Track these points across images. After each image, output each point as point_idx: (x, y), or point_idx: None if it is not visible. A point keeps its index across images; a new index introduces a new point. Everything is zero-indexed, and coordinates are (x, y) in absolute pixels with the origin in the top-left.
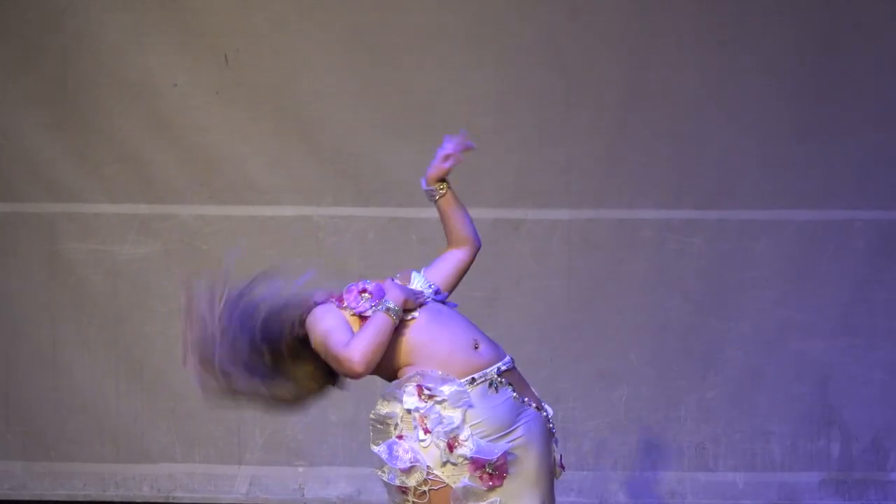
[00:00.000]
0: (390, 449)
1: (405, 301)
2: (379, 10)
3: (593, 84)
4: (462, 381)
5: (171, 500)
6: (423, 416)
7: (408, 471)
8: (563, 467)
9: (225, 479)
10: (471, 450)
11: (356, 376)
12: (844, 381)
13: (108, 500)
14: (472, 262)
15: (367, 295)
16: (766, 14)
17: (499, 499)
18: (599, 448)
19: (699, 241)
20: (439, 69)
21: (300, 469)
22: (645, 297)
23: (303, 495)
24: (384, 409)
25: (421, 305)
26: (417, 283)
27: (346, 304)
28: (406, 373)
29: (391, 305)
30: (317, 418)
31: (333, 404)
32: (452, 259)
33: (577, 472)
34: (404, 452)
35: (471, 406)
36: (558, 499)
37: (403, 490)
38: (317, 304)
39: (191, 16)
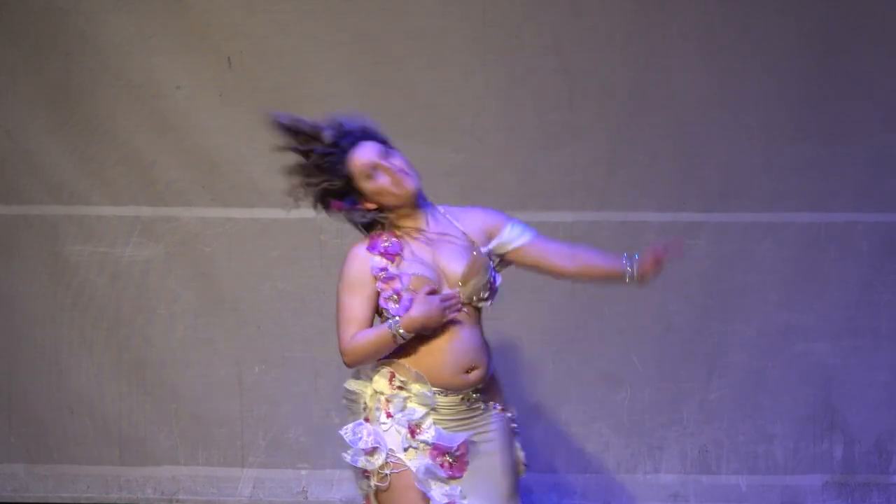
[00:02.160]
0: (354, 430)
1: (421, 327)
2: (382, 13)
3: (596, 86)
4: (434, 389)
5: (174, 503)
6: (388, 401)
7: (370, 452)
8: (526, 465)
9: (228, 481)
10: (432, 436)
11: (346, 364)
12: (847, 384)
13: (111, 502)
14: (563, 277)
15: (395, 297)
16: (770, 16)
17: (460, 488)
18: (602, 450)
19: (702, 243)
20: (442, 71)
21: (303, 471)
22: (648, 299)
23: (306, 497)
24: (353, 385)
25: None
26: (507, 234)
27: (377, 264)
28: (393, 359)
29: (402, 332)
30: (319, 420)
31: (336, 406)
32: (557, 258)
33: (580, 475)
34: (367, 434)
35: (434, 408)
36: (561, 501)
37: (366, 473)
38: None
39: (194, 18)
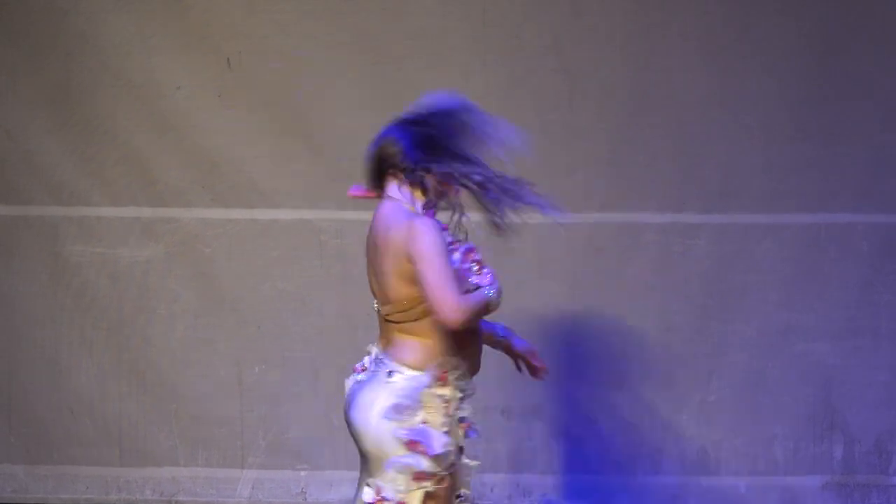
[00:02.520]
0: (424, 435)
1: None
2: (382, 13)
3: (596, 86)
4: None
5: None
6: (448, 402)
7: (438, 457)
8: None
9: (228, 482)
10: (471, 430)
11: (453, 325)
12: (847, 384)
13: (111, 503)
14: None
15: (476, 268)
16: (770, 16)
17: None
18: (602, 451)
19: (702, 243)
20: (442, 72)
21: (303, 473)
22: (648, 300)
23: (305, 499)
24: (410, 383)
25: None
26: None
27: (446, 237)
28: (438, 355)
29: (497, 302)
30: (319, 421)
31: (335, 408)
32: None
33: (580, 476)
34: (436, 438)
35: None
36: (561, 502)
37: (422, 476)
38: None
39: (194, 18)
